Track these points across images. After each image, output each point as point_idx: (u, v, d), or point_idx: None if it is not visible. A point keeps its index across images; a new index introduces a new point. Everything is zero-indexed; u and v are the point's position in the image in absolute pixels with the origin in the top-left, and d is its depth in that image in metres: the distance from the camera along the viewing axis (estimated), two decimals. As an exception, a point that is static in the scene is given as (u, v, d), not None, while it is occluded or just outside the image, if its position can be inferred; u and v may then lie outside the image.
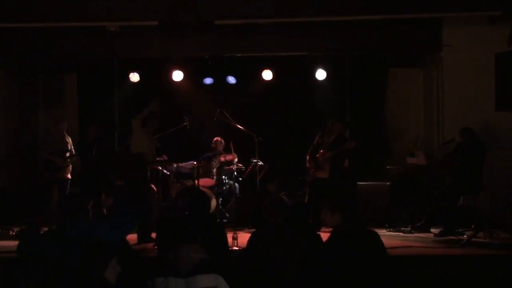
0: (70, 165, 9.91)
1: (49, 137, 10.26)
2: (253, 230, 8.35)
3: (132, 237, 7.99)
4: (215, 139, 10.74)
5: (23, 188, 10.54)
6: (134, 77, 11.10)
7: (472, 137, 8.91)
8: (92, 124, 10.11)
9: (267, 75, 11.04)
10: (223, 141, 10.72)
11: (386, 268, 4.63)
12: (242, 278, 4.67)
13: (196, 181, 9.93)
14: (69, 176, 9.89)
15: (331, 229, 9.17)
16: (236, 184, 10.45)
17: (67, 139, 10.01)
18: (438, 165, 9.74)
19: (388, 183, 9.97)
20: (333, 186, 9.14)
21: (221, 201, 10.32)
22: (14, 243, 8.34)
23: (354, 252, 4.55)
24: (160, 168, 10.10)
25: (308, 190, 9.54)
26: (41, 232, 5.48)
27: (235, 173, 10.40)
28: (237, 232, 7.87)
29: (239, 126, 10.20)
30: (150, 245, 7.85)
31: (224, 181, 10.45)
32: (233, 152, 10.38)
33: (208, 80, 11.36)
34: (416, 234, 8.90)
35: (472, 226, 8.65)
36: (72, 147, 9.99)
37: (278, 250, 4.92)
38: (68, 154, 9.89)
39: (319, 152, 9.42)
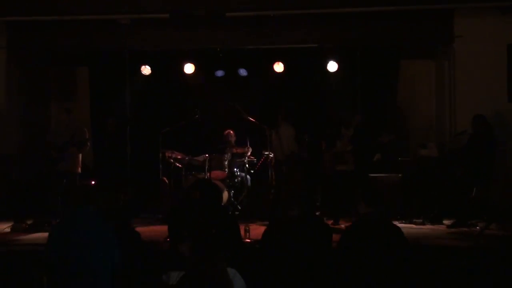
0: (77, 158, 9.28)
1: (54, 129, 10.09)
2: (267, 222, 8.44)
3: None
4: (226, 131, 10.75)
5: (35, 181, 10.55)
6: (146, 70, 11.16)
7: (485, 127, 8.82)
8: (111, 117, 10.14)
9: (279, 67, 11.04)
10: (234, 133, 10.72)
11: (404, 262, 4.73)
12: (257, 271, 4.69)
13: (208, 174, 9.97)
14: (78, 170, 9.29)
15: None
16: (248, 177, 10.48)
17: (67, 131, 9.25)
18: (457, 161, 9.61)
19: (400, 175, 9.94)
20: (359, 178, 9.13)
21: (233, 193, 10.34)
22: (28, 236, 8.49)
23: (374, 240, 4.68)
24: (172, 160, 10.13)
25: (326, 183, 9.51)
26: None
27: (247, 165, 10.44)
28: (249, 224, 7.89)
29: (250, 119, 10.20)
30: (163, 238, 7.85)
31: (236, 173, 10.46)
32: (248, 145, 10.39)
33: (220, 73, 11.35)
34: (428, 226, 8.90)
35: (485, 218, 8.64)
36: (80, 135, 9.22)
37: (294, 243, 4.92)
38: (65, 146, 9.08)
39: (338, 144, 9.37)
